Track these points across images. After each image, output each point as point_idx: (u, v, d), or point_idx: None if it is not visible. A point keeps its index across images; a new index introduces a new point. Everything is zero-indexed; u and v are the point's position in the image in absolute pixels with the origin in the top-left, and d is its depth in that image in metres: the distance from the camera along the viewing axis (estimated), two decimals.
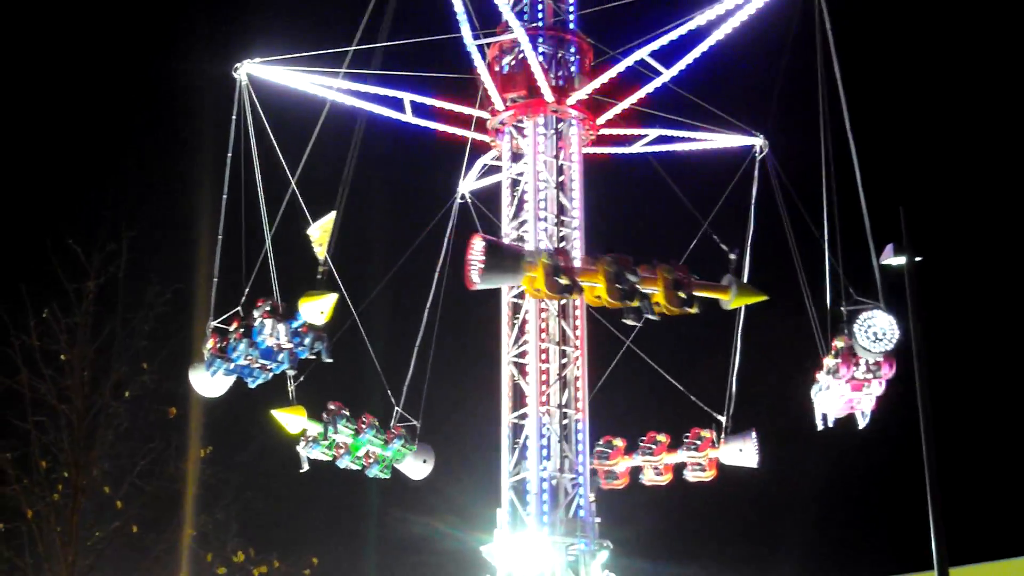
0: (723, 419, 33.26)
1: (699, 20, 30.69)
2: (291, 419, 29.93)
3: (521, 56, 31.99)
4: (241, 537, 28.54)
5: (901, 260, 23.96)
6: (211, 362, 28.29)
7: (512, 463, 30.91)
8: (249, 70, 32.25)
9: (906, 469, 29.28)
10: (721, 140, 34.62)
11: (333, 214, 30.52)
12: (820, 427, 31.23)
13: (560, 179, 32.18)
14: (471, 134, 32.41)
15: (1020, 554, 49.30)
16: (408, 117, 32.38)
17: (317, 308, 28.50)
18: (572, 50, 32.47)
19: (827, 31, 31.08)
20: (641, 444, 33.19)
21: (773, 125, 33.32)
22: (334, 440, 29.69)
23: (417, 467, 31.54)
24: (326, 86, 31.48)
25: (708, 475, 33.10)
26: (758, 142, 34.36)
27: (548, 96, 31.49)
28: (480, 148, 32.93)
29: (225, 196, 31.18)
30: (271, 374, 29.09)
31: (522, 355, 31.50)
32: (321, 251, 29.37)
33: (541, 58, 31.70)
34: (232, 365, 28.14)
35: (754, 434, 32.89)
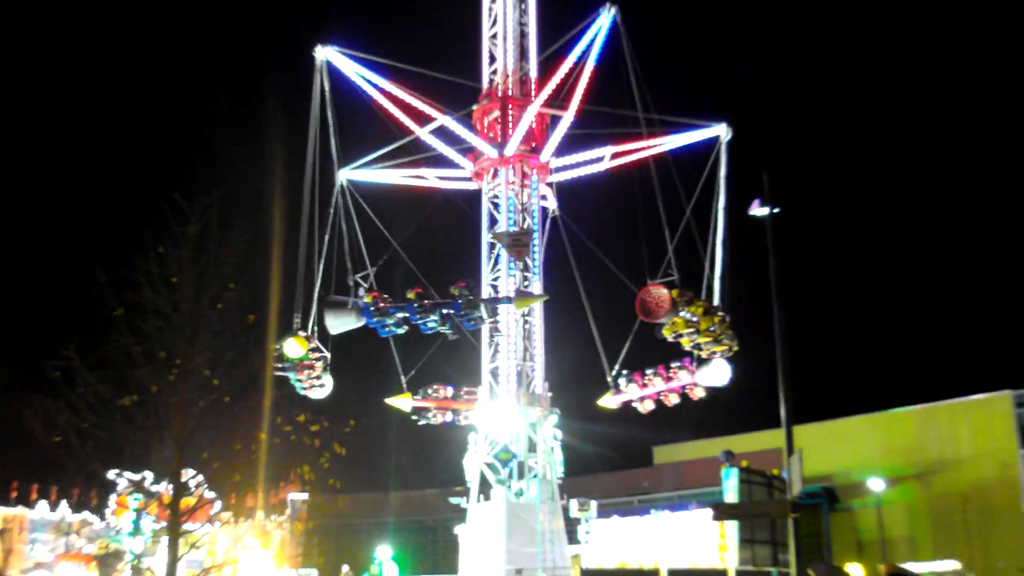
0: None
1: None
2: (294, 347, 32.57)
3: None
4: (299, 406, 30.55)
5: (764, 211, 23.48)
6: (376, 317, 31.08)
7: (490, 356, 33.91)
8: (326, 55, 34.37)
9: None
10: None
11: (529, 229, 33.11)
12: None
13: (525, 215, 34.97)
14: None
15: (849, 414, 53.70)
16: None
17: (528, 305, 31.80)
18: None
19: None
20: None
21: None
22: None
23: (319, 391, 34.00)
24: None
25: None
26: (550, 205, 36.54)
27: (490, 152, 34.83)
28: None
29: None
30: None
31: (496, 279, 34.56)
32: (520, 257, 32.07)
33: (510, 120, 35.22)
34: (395, 320, 30.85)
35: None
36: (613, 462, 51.28)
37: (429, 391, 34.93)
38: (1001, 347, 76.65)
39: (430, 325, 31.36)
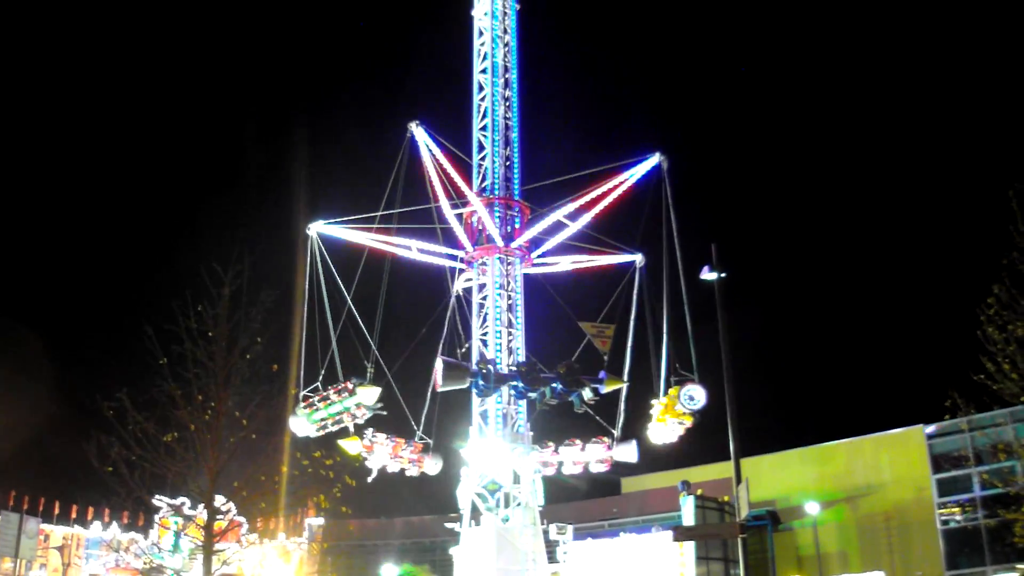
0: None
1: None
2: (371, 394, 31.99)
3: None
4: (315, 445, 30.43)
5: (713, 275, 22.98)
6: (492, 383, 30.50)
7: (479, 401, 33.59)
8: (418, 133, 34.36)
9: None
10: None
11: (613, 326, 32.56)
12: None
13: (509, 293, 34.69)
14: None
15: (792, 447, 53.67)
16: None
17: (615, 386, 31.64)
18: (516, 211, 35.83)
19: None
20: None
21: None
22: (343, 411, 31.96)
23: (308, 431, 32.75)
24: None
25: None
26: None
27: (499, 243, 34.91)
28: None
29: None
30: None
31: (484, 333, 34.30)
32: (605, 347, 31.77)
33: (497, 217, 35.14)
34: (492, 387, 30.34)
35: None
36: (586, 491, 50.82)
37: (373, 436, 33.90)
38: (914, 388, 77.38)
39: (531, 396, 31.03)
